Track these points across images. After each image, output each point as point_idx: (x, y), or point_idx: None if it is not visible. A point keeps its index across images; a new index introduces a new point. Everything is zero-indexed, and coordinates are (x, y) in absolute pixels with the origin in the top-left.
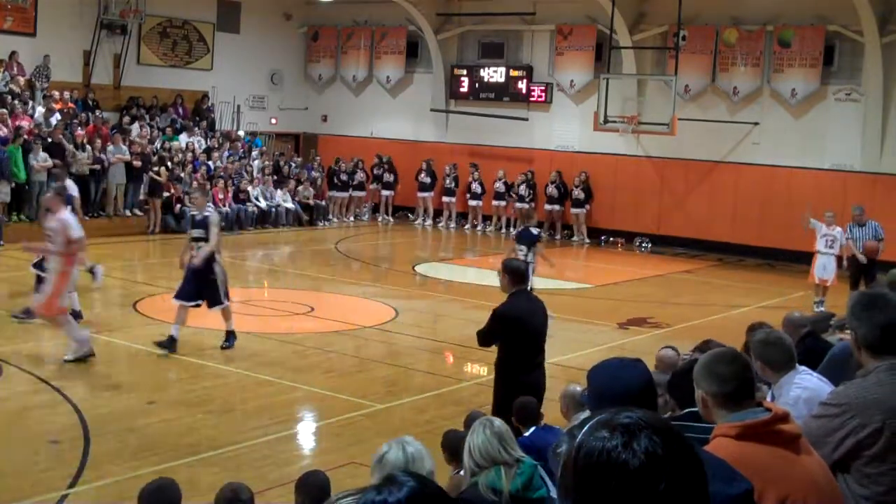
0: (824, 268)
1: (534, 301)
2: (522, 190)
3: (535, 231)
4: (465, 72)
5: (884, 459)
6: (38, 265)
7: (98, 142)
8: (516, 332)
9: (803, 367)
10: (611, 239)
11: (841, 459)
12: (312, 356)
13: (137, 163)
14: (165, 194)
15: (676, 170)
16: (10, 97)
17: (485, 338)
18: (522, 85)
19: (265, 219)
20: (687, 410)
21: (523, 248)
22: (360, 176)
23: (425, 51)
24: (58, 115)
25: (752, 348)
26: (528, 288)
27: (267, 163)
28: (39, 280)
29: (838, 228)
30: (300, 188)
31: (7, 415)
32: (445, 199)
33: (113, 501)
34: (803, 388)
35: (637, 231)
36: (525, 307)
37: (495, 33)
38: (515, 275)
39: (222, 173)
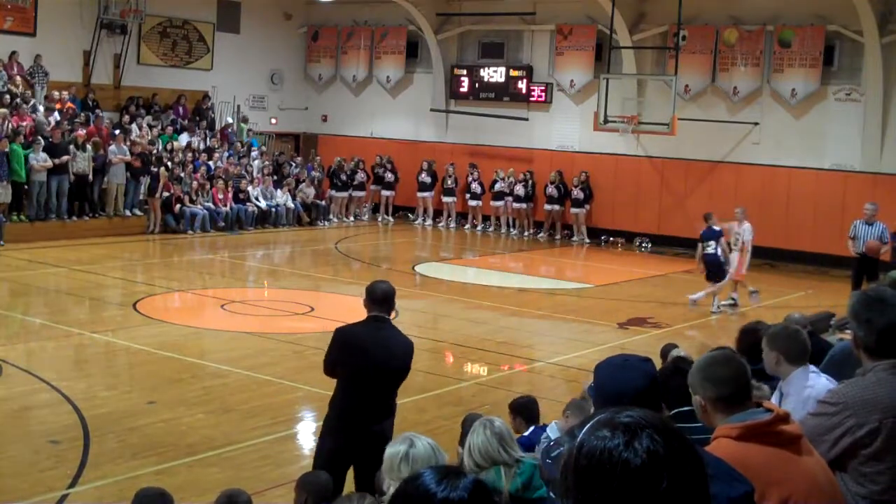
0: (730, 264)
1: (389, 332)
2: (519, 189)
3: (716, 228)
4: (465, 72)
5: (881, 459)
6: None
7: (92, 142)
8: (353, 361)
9: (813, 367)
10: (611, 239)
11: (837, 458)
12: (312, 356)
13: (137, 163)
14: (165, 194)
15: (676, 170)
16: (9, 97)
17: (326, 363)
18: (522, 85)
19: (265, 219)
20: (675, 411)
21: (711, 242)
22: (360, 176)
23: (425, 51)
24: (57, 115)
25: (769, 339)
26: None
27: (267, 163)
28: None
29: (746, 225)
30: (302, 185)
31: (7, 415)
32: (445, 199)
33: (113, 501)
34: (813, 388)
35: (637, 231)
36: (371, 335)
37: (495, 33)
38: (371, 296)
39: (222, 173)
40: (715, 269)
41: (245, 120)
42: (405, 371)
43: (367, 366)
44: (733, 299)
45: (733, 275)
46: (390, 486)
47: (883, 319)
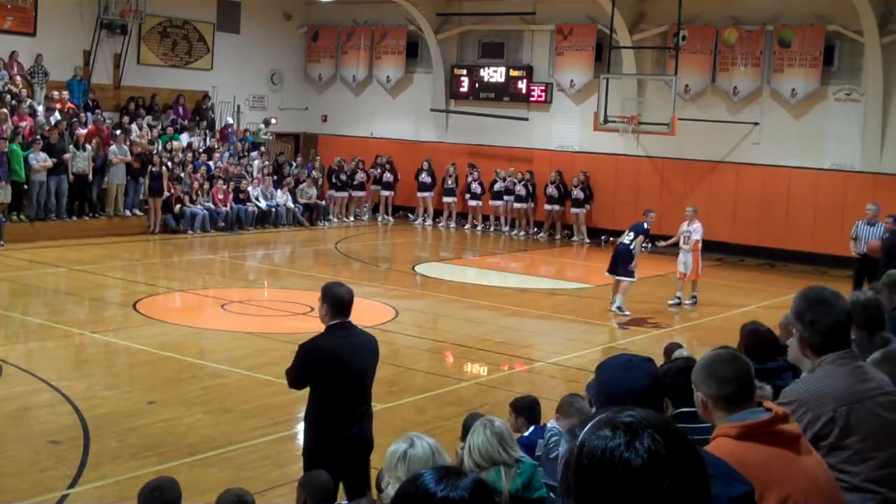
0: (684, 264)
1: (357, 337)
2: (519, 189)
3: (645, 226)
4: (465, 72)
5: (843, 448)
6: None
7: (94, 142)
8: (329, 374)
9: None
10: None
11: None
12: None
13: (137, 164)
14: (165, 194)
15: (676, 170)
16: (9, 97)
17: (294, 379)
18: (522, 85)
19: (265, 219)
20: (678, 411)
21: (631, 234)
22: (360, 176)
23: (425, 51)
24: (58, 115)
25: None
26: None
27: (267, 163)
28: None
29: (696, 224)
30: (303, 185)
31: (7, 415)
32: (445, 199)
33: (113, 501)
34: None
35: None
36: (341, 344)
37: (495, 33)
38: (336, 304)
39: (222, 174)
40: (616, 261)
41: (267, 123)
42: (376, 366)
43: (344, 377)
44: (694, 296)
45: (691, 275)
46: (389, 484)
47: (827, 320)
